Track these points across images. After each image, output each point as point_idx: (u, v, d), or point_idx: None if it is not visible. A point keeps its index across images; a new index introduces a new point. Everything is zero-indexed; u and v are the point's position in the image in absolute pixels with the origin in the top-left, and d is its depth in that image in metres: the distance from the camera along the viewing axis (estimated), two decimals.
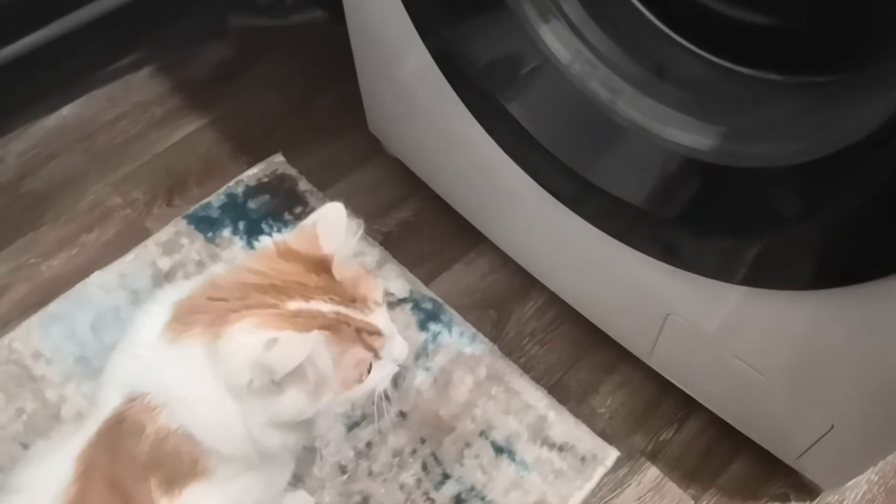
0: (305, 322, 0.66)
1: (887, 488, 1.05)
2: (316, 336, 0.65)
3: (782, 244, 0.76)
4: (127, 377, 0.70)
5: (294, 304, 0.67)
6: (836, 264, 0.73)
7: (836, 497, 1.04)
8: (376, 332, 0.71)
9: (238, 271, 0.71)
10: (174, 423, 0.68)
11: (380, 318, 0.72)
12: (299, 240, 0.72)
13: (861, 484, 1.05)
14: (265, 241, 0.73)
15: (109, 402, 0.69)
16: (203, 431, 0.69)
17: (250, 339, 0.64)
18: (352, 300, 0.70)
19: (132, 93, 1.43)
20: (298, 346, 0.63)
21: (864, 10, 0.69)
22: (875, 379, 0.80)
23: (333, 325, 0.68)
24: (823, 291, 0.75)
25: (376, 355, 0.71)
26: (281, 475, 0.84)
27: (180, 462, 0.69)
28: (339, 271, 0.71)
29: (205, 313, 0.68)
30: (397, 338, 0.74)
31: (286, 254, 0.71)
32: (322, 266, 0.71)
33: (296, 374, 0.64)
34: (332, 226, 0.71)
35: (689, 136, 0.79)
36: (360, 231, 0.73)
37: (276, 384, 0.64)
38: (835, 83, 0.73)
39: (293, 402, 0.67)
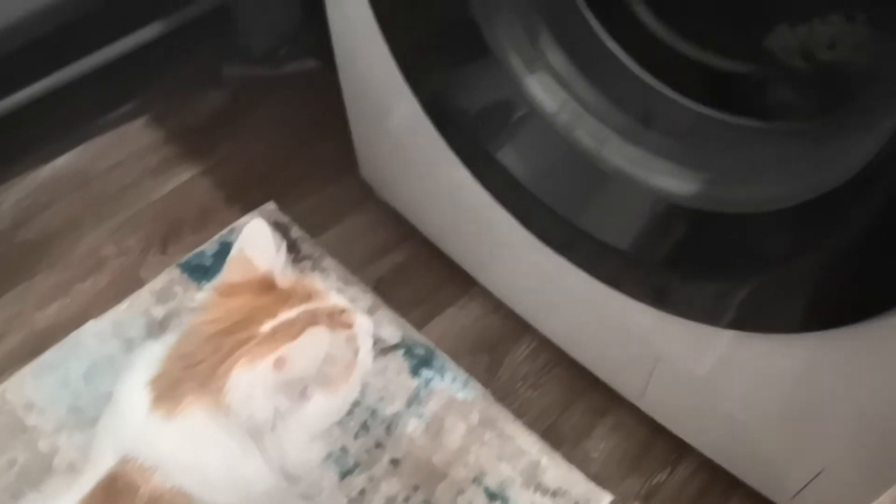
0: (286, 334, 0.68)
1: None
2: (314, 330, 0.67)
3: (769, 288, 0.77)
4: (118, 444, 0.70)
5: (267, 326, 0.69)
6: (823, 307, 0.74)
7: None
8: (342, 309, 0.73)
9: (195, 331, 0.71)
10: (168, 483, 0.68)
11: (336, 298, 0.75)
12: (234, 271, 0.73)
13: None
14: (202, 295, 0.74)
15: (103, 464, 0.70)
16: (205, 488, 0.69)
17: (256, 373, 0.66)
18: (308, 297, 0.72)
19: (127, 142, 1.45)
20: (312, 344, 0.66)
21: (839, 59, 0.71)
22: (864, 421, 0.80)
23: (311, 322, 0.70)
24: (812, 334, 0.75)
25: (353, 329, 0.73)
26: None
27: None
28: (282, 281, 0.73)
29: (190, 381, 0.68)
30: (357, 311, 0.76)
31: (229, 291, 0.73)
32: (267, 284, 0.73)
33: (317, 376, 0.67)
34: (259, 243, 0.73)
35: (674, 182, 0.80)
36: (283, 245, 0.75)
37: (302, 395, 0.67)
38: (815, 129, 0.75)
39: (322, 404, 0.69)
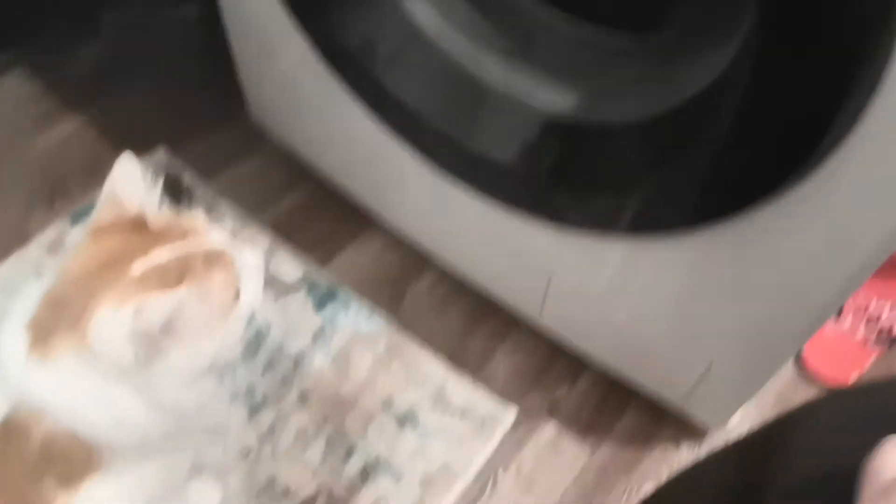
0: (158, 277, 0.67)
1: None
2: (180, 291, 0.65)
3: (654, 190, 0.81)
4: (8, 389, 0.69)
5: (137, 268, 0.67)
6: (705, 204, 0.77)
7: (722, 437, 1.11)
8: (221, 250, 0.71)
9: (67, 273, 0.69)
10: (59, 425, 0.67)
11: (215, 236, 0.72)
12: (105, 212, 0.71)
13: (744, 423, 1.12)
14: (74, 236, 0.71)
15: None
16: (93, 429, 0.68)
17: (118, 317, 0.64)
18: (183, 236, 0.70)
19: (4, 95, 1.38)
20: (164, 304, 0.64)
21: None
22: (746, 313, 0.86)
23: (183, 266, 0.68)
24: (697, 234, 0.79)
25: (233, 270, 0.71)
26: (181, 460, 0.84)
27: (73, 458, 0.68)
28: (156, 221, 0.71)
29: (59, 321, 0.67)
30: (244, 246, 0.73)
31: (100, 233, 0.70)
32: (139, 224, 0.70)
33: (171, 331, 0.65)
34: (128, 183, 0.71)
35: (552, 98, 0.83)
36: (160, 181, 0.72)
37: (158, 348, 0.65)
38: (679, 44, 0.78)
39: (191, 352, 0.68)
